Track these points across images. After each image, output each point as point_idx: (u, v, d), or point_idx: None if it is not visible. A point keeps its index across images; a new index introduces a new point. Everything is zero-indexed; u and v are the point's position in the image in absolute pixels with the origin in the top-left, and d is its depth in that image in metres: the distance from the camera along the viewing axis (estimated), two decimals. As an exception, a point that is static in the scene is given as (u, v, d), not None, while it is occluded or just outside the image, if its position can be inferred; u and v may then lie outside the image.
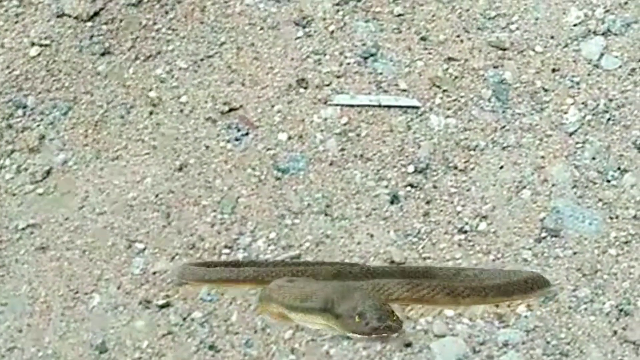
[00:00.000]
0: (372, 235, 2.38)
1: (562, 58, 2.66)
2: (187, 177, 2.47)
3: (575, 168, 2.49)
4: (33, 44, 2.65)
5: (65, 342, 2.17)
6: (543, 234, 2.37)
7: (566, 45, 2.68)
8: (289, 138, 2.54)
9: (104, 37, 2.67)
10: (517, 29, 2.71)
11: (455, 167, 2.50)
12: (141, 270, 2.29)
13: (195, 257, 2.32)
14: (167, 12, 2.72)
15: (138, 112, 2.58)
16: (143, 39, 2.68)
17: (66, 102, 2.59)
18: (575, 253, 2.34)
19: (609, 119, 2.56)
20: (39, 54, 2.63)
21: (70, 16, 2.68)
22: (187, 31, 2.70)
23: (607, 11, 2.72)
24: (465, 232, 2.39)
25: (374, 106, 2.59)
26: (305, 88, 2.62)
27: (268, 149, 2.52)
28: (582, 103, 2.59)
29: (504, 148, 2.53)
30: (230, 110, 2.59)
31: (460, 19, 2.72)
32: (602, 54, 2.66)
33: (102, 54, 2.65)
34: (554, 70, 2.64)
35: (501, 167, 2.50)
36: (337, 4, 2.75)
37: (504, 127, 2.56)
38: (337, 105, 2.60)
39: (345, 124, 2.57)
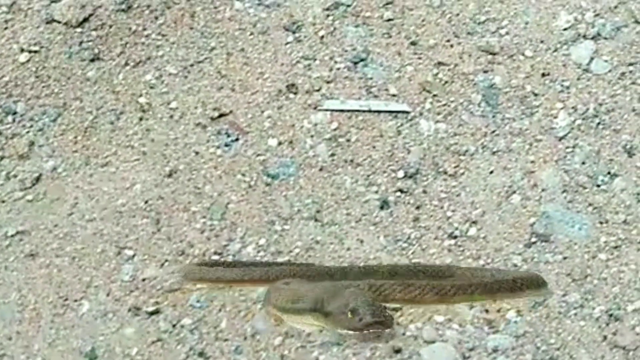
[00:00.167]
0: (362, 241, 2.38)
1: (552, 62, 2.66)
2: (177, 183, 2.46)
3: (565, 173, 2.49)
4: (22, 50, 2.65)
5: (55, 349, 2.16)
6: (533, 239, 2.38)
7: (556, 50, 2.68)
8: (279, 143, 2.54)
9: (93, 43, 2.67)
10: (507, 33, 2.71)
11: (445, 172, 2.50)
12: (130, 277, 2.29)
13: (185, 263, 2.32)
14: (156, 18, 2.71)
15: (128, 118, 2.58)
16: (133, 44, 2.68)
17: (56, 108, 2.58)
18: (565, 258, 2.34)
19: (598, 124, 2.56)
20: (28, 60, 2.63)
21: (59, 22, 2.68)
22: (176, 37, 2.70)
23: (597, 15, 2.72)
24: (455, 237, 2.39)
25: (364, 111, 2.59)
26: (295, 93, 2.62)
27: (258, 155, 2.52)
28: (572, 107, 2.59)
29: (493, 153, 2.53)
30: (220, 115, 2.59)
31: (450, 23, 2.72)
32: (592, 58, 2.66)
33: (92, 60, 2.65)
34: (543, 75, 2.64)
35: (491, 172, 2.50)
36: (327, 9, 2.75)
37: (493, 131, 2.56)
38: (327, 110, 2.60)
39: (335, 129, 2.57)
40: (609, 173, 2.48)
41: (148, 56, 2.67)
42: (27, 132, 2.55)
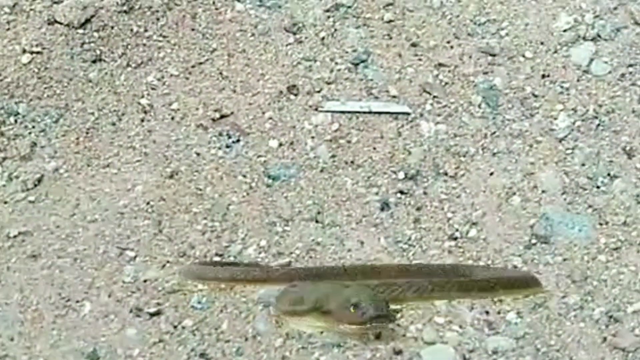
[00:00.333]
0: (362, 242, 2.39)
1: (552, 64, 2.67)
2: (178, 184, 2.47)
3: (565, 174, 2.49)
4: (24, 51, 2.65)
5: (57, 350, 2.17)
6: (533, 240, 2.38)
7: (556, 51, 2.68)
8: (280, 145, 2.54)
9: (95, 45, 2.67)
10: (507, 35, 2.71)
11: (446, 174, 2.51)
12: (132, 278, 2.29)
13: (186, 265, 2.32)
14: (158, 19, 2.72)
15: (129, 119, 2.59)
16: (134, 46, 2.68)
17: (57, 109, 2.59)
18: (565, 259, 2.35)
19: (598, 125, 2.57)
20: (30, 62, 2.64)
21: (61, 23, 2.69)
22: (178, 38, 2.70)
23: (597, 16, 2.73)
24: (456, 238, 2.39)
25: (364, 112, 2.60)
26: (296, 95, 2.63)
27: (259, 156, 2.53)
28: (572, 109, 2.60)
29: (494, 154, 2.53)
30: (221, 117, 2.59)
31: (451, 25, 2.73)
32: (591, 60, 2.67)
33: (94, 61, 2.66)
34: (543, 76, 2.65)
35: (491, 174, 2.50)
36: (328, 11, 2.75)
37: (494, 133, 2.57)
38: (327, 111, 2.60)
39: (335, 131, 2.57)
40: (608, 174, 2.49)
41: (149, 57, 2.67)
42: (29, 133, 2.55)
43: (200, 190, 2.46)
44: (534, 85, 2.63)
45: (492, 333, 2.19)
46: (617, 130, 2.56)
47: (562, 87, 2.63)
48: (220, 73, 2.66)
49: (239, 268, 2.30)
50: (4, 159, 2.51)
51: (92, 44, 2.67)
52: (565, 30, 2.71)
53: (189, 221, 2.40)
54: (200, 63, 2.67)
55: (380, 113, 2.60)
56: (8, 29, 2.68)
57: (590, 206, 2.43)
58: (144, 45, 2.69)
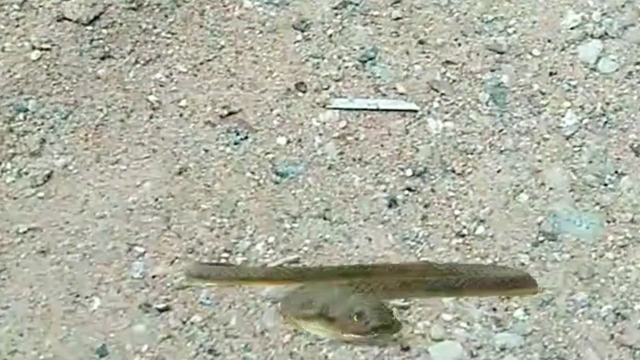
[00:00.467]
0: (370, 239, 2.39)
1: (560, 61, 2.67)
2: (187, 180, 2.48)
3: (573, 172, 2.50)
4: (34, 48, 2.66)
5: (66, 345, 2.18)
6: (540, 238, 2.39)
7: (563, 49, 2.69)
8: (288, 142, 2.55)
9: (104, 41, 2.68)
10: (515, 32, 2.72)
11: (453, 171, 2.51)
12: (141, 274, 2.30)
13: (195, 261, 2.33)
14: (166, 16, 2.73)
15: (138, 116, 2.59)
16: (143, 43, 2.69)
17: (66, 106, 2.60)
18: (572, 257, 2.35)
19: (606, 123, 2.57)
20: (39, 58, 2.64)
21: (70, 20, 2.70)
22: (186, 35, 2.71)
23: (604, 14, 2.73)
24: (463, 235, 2.40)
25: (372, 110, 2.60)
26: (304, 92, 2.63)
27: (267, 153, 2.53)
28: (579, 106, 2.60)
29: (501, 152, 2.54)
30: (230, 114, 2.60)
31: (458, 22, 2.73)
32: (599, 57, 2.67)
33: (102, 58, 2.66)
34: (551, 74, 2.65)
35: (499, 171, 2.51)
36: (336, 8, 2.76)
37: (501, 130, 2.57)
38: (335, 109, 2.61)
39: (343, 128, 2.58)
40: (616, 172, 2.49)
41: (158, 54, 2.68)
42: (38, 129, 2.56)
43: (209, 186, 2.46)
44: (542, 82, 2.64)
45: (500, 330, 2.19)
46: (624, 127, 2.56)
47: (569, 84, 2.64)
48: (228, 70, 2.67)
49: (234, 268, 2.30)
50: (14, 155, 2.51)
51: (101, 41, 2.68)
52: (572, 28, 2.71)
53: (197, 217, 2.40)
54: (209, 60, 2.68)
55: (387, 110, 2.60)
56: (17, 26, 2.69)
57: (597, 203, 2.44)
58: (153, 42, 2.69)
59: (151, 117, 2.59)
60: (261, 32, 2.72)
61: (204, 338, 2.18)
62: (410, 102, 2.62)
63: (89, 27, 2.69)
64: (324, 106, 2.61)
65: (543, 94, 2.62)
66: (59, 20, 2.69)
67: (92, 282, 2.29)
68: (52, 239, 2.37)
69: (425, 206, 2.45)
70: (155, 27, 2.71)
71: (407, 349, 2.12)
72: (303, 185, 2.48)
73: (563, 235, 2.38)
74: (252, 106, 2.61)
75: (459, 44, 2.70)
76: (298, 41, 2.71)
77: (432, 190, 2.48)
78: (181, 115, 2.60)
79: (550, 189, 2.47)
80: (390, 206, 2.45)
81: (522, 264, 2.34)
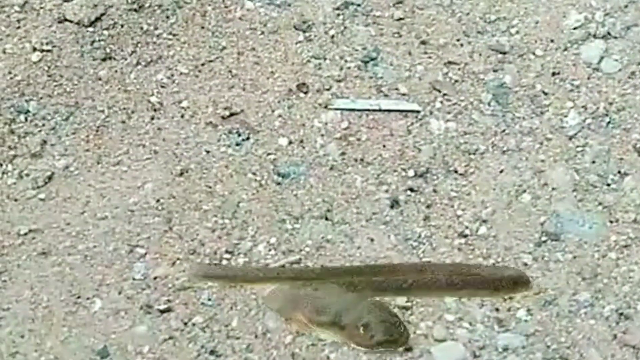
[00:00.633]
0: (372, 240, 2.38)
1: (562, 61, 2.67)
2: (188, 182, 2.47)
3: (576, 172, 2.49)
4: (35, 50, 2.66)
5: (67, 347, 2.17)
6: (543, 238, 2.38)
7: (566, 49, 2.68)
8: (290, 143, 2.55)
9: (105, 43, 2.68)
10: (517, 32, 2.71)
11: (456, 171, 2.50)
12: (142, 275, 2.30)
13: (197, 262, 2.33)
14: (168, 17, 2.72)
15: (139, 117, 2.59)
16: (144, 44, 2.69)
17: (68, 107, 2.59)
18: (575, 257, 2.34)
19: (609, 123, 2.57)
20: (40, 60, 2.64)
21: (71, 21, 2.69)
22: (188, 36, 2.70)
23: (607, 14, 2.73)
24: (466, 236, 2.39)
25: (374, 110, 2.60)
26: (306, 92, 2.63)
27: (269, 154, 2.53)
28: (582, 106, 2.59)
29: (504, 152, 2.53)
30: (231, 115, 2.59)
31: (460, 22, 2.73)
32: (602, 57, 2.66)
33: (104, 59, 2.66)
34: (554, 74, 2.65)
35: (501, 171, 2.50)
36: (338, 9, 2.75)
37: (504, 131, 2.57)
38: (337, 109, 2.60)
39: (345, 129, 2.57)
40: (619, 172, 2.48)
41: (159, 55, 2.68)
42: (40, 131, 2.56)
43: (210, 187, 2.46)
44: (544, 83, 2.63)
45: (502, 330, 2.19)
46: (627, 127, 2.56)
47: (572, 84, 2.63)
48: (230, 71, 2.66)
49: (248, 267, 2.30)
50: (15, 156, 2.51)
51: (102, 42, 2.68)
52: (575, 28, 2.71)
53: (199, 218, 2.40)
54: (210, 61, 2.67)
55: (390, 111, 2.60)
56: (18, 27, 2.69)
57: (600, 204, 2.43)
58: (154, 43, 2.69)
59: (152, 118, 2.58)
60: (263, 32, 2.72)
61: (206, 339, 2.18)
62: (413, 102, 2.61)
63: (90, 29, 2.68)
64: (325, 107, 2.60)
65: (546, 94, 2.62)
66: (60, 22, 2.69)
67: (93, 284, 2.28)
68: (53, 240, 2.36)
69: (428, 206, 2.44)
70: (156, 28, 2.71)
71: (409, 349, 2.12)
72: (305, 186, 2.48)
73: (566, 236, 2.38)
74: (253, 107, 2.60)
75: (461, 44, 2.70)
76: (300, 42, 2.70)
77: (435, 191, 2.47)
78: (182, 116, 2.59)
79: (553, 189, 2.46)
80: (392, 207, 2.44)
81: (525, 265, 2.33)
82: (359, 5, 2.76)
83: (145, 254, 2.33)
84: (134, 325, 2.20)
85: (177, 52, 2.68)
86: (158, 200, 2.43)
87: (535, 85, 2.63)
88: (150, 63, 2.66)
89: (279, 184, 2.48)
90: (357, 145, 2.55)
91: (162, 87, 2.63)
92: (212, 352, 2.15)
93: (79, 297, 2.26)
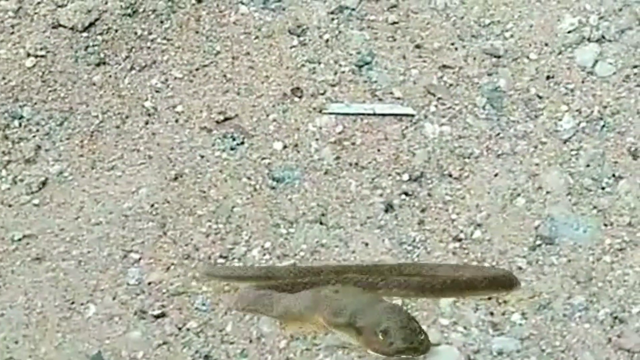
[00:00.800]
0: (367, 244, 2.38)
1: (557, 65, 2.67)
2: (183, 186, 2.47)
3: (570, 175, 2.49)
4: (29, 55, 2.66)
5: (61, 352, 2.17)
6: (537, 242, 2.38)
7: (560, 53, 2.68)
8: (284, 147, 2.54)
9: (99, 48, 2.68)
10: (512, 36, 2.71)
11: (450, 175, 2.50)
12: (136, 280, 2.29)
13: (191, 267, 2.33)
14: (162, 22, 2.72)
15: (133, 122, 2.59)
16: (138, 49, 2.69)
17: (62, 112, 2.59)
18: (569, 260, 2.34)
19: (603, 126, 2.57)
20: (34, 65, 2.64)
21: (65, 27, 2.69)
22: (182, 41, 2.70)
23: (602, 18, 2.73)
24: (460, 240, 2.39)
25: (368, 114, 2.60)
26: (300, 97, 2.63)
27: (263, 158, 2.53)
28: (577, 110, 2.59)
29: (498, 156, 2.53)
30: (226, 119, 2.59)
31: (455, 26, 2.73)
32: (596, 61, 2.66)
33: (98, 64, 2.66)
34: (548, 78, 2.65)
35: (496, 175, 2.50)
36: (332, 13, 2.75)
37: (498, 134, 2.57)
38: (332, 113, 2.60)
39: (340, 133, 2.57)
40: (613, 175, 2.48)
41: (154, 60, 2.68)
42: (34, 136, 2.56)
43: (205, 192, 2.46)
44: (539, 86, 2.63)
45: (497, 334, 2.19)
46: (621, 131, 2.56)
47: (566, 88, 2.63)
48: (224, 75, 2.66)
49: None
50: (9, 162, 2.51)
51: (96, 47, 2.68)
52: (569, 32, 2.71)
53: (193, 223, 2.40)
54: (204, 66, 2.67)
55: (384, 115, 2.60)
56: (12, 33, 2.69)
57: (595, 207, 2.43)
58: (148, 48, 2.69)
59: (147, 123, 2.58)
60: (257, 37, 2.72)
61: (200, 344, 2.17)
62: (407, 106, 2.61)
63: (84, 34, 2.68)
64: (320, 111, 2.60)
65: (540, 97, 2.62)
66: (54, 27, 2.69)
67: (88, 289, 2.28)
68: (47, 245, 2.36)
69: (422, 210, 2.44)
70: (150, 33, 2.71)
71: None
72: (299, 191, 2.48)
73: (560, 239, 2.38)
74: (248, 111, 2.60)
75: (456, 48, 2.70)
76: (294, 46, 2.70)
77: (429, 195, 2.47)
78: (177, 121, 2.59)
79: (548, 192, 2.46)
80: (386, 211, 2.44)
81: (520, 268, 2.33)
82: (353, 9, 2.76)
83: (140, 259, 2.33)
84: (128, 330, 2.20)
85: (171, 56, 2.68)
86: (152, 205, 2.43)
87: (530, 89, 2.63)
88: (145, 68, 2.66)
89: (273, 188, 2.48)
90: (352, 149, 2.55)
91: (157, 91, 2.63)
92: (206, 357, 2.15)
93: (73, 303, 2.26)
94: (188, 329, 2.20)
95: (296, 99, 2.62)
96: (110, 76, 2.65)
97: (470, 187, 2.48)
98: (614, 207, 2.43)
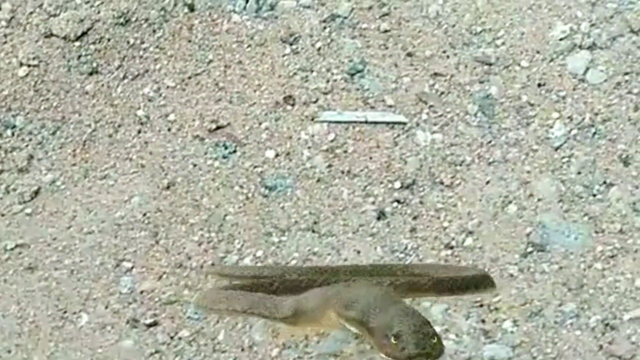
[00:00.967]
0: (359, 252, 2.39)
1: (548, 72, 2.67)
2: (175, 195, 2.48)
3: (561, 182, 2.50)
4: (21, 64, 2.66)
5: (54, 361, 2.18)
6: (529, 249, 2.38)
7: (552, 60, 2.69)
8: (276, 155, 2.55)
9: (91, 57, 2.68)
10: (503, 44, 2.72)
11: (442, 183, 2.51)
12: (129, 289, 2.30)
13: (183, 276, 2.33)
14: (154, 31, 2.73)
15: (126, 130, 2.59)
16: (131, 58, 2.69)
17: (54, 121, 2.60)
18: (561, 268, 2.35)
19: (594, 133, 2.57)
20: (27, 74, 2.65)
21: (58, 36, 2.70)
22: (174, 50, 2.71)
23: (593, 25, 2.73)
24: (452, 247, 2.40)
25: (360, 122, 2.61)
26: (293, 105, 2.64)
27: (255, 167, 2.53)
28: (568, 117, 2.60)
29: (490, 163, 2.54)
30: (218, 128, 2.60)
31: (446, 34, 2.74)
32: (587, 68, 2.67)
33: (90, 74, 2.67)
34: (539, 85, 2.65)
35: (487, 182, 2.51)
36: (324, 21, 2.76)
37: (490, 142, 2.57)
38: (324, 122, 2.61)
39: (332, 141, 2.58)
40: (604, 182, 2.49)
41: (146, 69, 2.68)
42: (26, 145, 2.56)
43: (197, 201, 2.46)
44: (530, 94, 2.64)
45: (489, 342, 2.19)
46: (613, 138, 2.56)
47: (558, 95, 2.64)
48: (217, 84, 2.67)
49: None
50: (1, 171, 2.51)
51: (89, 57, 2.68)
52: (561, 39, 2.71)
53: (185, 232, 2.40)
54: (197, 74, 2.68)
55: (376, 123, 2.60)
56: (5, 42, 2.70)
57: (586, 214, 2.44)
58: (141, 57, 2.69)
59: (139, 131, 2.59)
60: (249, 45, 2.73)
61: (192, 353, 2.18)
62: (399, 114, 2.62)
63: (77, 43, 2.69)
64: (312, 119, 2.61)
65: (531, 105, 2.62)
66: (46, 37, 2.70)
67: (80, 298, 2.29)
68: (39, 255, 2.36)
69: (414, 218, 2.45)
70: (143, 42, 2.71)
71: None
72: (292, 199, 2.48)
73: (552, 246, 2.38)
74: (240, 120, 2.61)
75: (447, 56, 2.70)
76: (286, 54, 2.71)
77: (421, 202, 2.48)
78: (169, 129, 2.60)
79: (539, 200, 2.47)
80: (379, 218, 2.45)
81: (511, 275, 2.34)
82: (345, 17, 2.76)
83: (132, 268, 2.34)
84: (120, 339, 2.20)
85: (163, 65, 2.69)
86: (145, 214, 2.43)
87: (521, 97, 2.63)
88: (137, 77, 2.67)
89: (265, 196, 2.48)
90: (344, 157, 2.56)
91: (149, 100, 2.64)
92: (198, 366, 2.15)
93: (65, 312, 2.26)
94: (180, 338, 2.20)
95: (288, 107, 2.63)
96: (102, 85, 2.65)
97: (462, 194, 2.49)
98: (605, 214, 2.43)
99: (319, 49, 2.72)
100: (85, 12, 2.71)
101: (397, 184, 2.50)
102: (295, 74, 2.68)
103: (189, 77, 2.68)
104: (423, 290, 2.12)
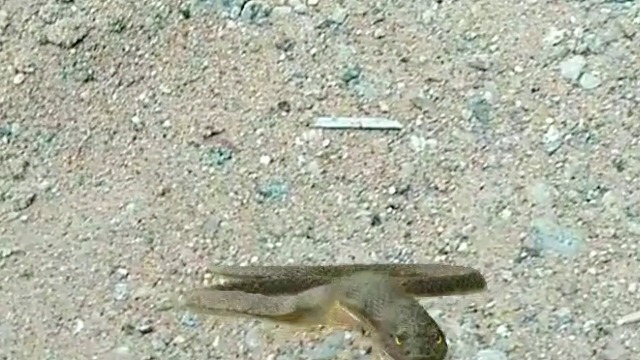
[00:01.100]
0: (353, 257, 2.39)
1: (542, 78, 2.68)
2: (170, 201, 2.48)
3: (555, 187, 2.50)
4: (17, 72, 2.67)
5: (49, 368, 2.18)
6: (523, 254, 2.39)
7: (546, 65, 2.69)
8: (271, 161, 2.56)
9: (87, 64, 2.69)
10: (497, 49, 2.72)
11: (436, 188, 2.52)
12: (124, 295, 2.30)
13: (178, 282, 2.34)
14: (149, 38, 2.74)
15: (121, 137, 2.60)
16: (126, 64, 2.70)
17: (50, 128, 2.61)
18: (555, 273, 2.35)
19: (588, 138, 2.58)
20: (22, 82, 2.65)
21: (53, 43, 2.71)
22: (169, 56, 2.72)
23: (587, 30, 2.74)
24: (446, 252, 2.40)
25: (355, 128, 2.61)
26: (288, 111, 2.64)
27: (250, 173, 2.54)
28: (562, 122, 2.61)
29: (484, 168, 2.54)
30: (213, 134, 2.61)
31: (441, 40, 2.74)
32: (581, 73, 2.68)
33: (86, 80, 2.67)
34: (533, 90, 2.66)
35: (481, 188, 2.51)
36: (319, 27, 2.77)
37: (484, 147, 2.58)
38: (319, 127, 2.62)
39: (326, 147, 2.59)
40: (598, 187, 2.50)
41: (141, 76, 2.69)
42: (22, 152, 2.57)
43: (192, 207, 2.47)
44: (524, 99, 2.64)
45: (483, 347, 2.19)
46: (607, 143, 2.57)
47: (552, 100, 2.64)
48: (212, 90, 2.67)
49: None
50: (-3, 178, 2.52)
51: (84, 64, 2.69)
52: (555, 45, 2.72)
53: (180, 238, 2.41)
54: (192, 81, 2.69)
55: (371, 129, 2.61)
56: (1, 50, 2.70)
57: (580, 219, 2.44)
58: (136, 64, 2.70)
59: (134, 138, 2.60)
60: (244, 52, 2.73)
61: (187, 359, 2.18)
62: (393, 120, 2.63)
63: (72, 50, 2.70)
64: (307, 125, 2.62)
65: (525, 110, 2.63)
66: (42, 44, 2.70)
67: (75, 305, 2.29)
68: (35, 262, 2.37)
69: (409, 223, 2.46)
70: (138, 49, 2.72)
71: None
72: (286, 205, 2.49)
73: (545, 251, 2.39)
74: (235, 126, 2.61)
75: (442, 62, 2.71)
76: (281, 61, 2.72)
77: (415, 208, 2.48)
78: (165, 136, 2.60)
79: (533, 205, 2.47)
80: (373, 224, 2.45)
81: (505, 281, 2.34)
82: (340, 23, 2.77)
83: (127, 274, 2.34)
84: (115, 346, 2.21)
85: (159, 72, 2.70)
86: (140, 221, 2.44)
87: (515, 102, 2.64)
88: (132, 83, 2.68)
89: (260, 202, 2.49)
90: (339, 163, 2.56)
91: (144, 107, 2.64)
92: (193, 372, 2.16)
93: (61, 319, 2.27)
94: (175, 344, 2.21)
95: (283, 113, 2.64)
96: (98, 92, 2.66)
97: (456, 199, 2.49)
98: (599, 219, 2.44)
99: (314, 55, 2.73)
100: (81, 19, 2.72)
101: (392, 190, 2.51)
102: (290, 80, 2.69)
103: (184, 84, 2.68)
104: (411, 291, 2.09)
